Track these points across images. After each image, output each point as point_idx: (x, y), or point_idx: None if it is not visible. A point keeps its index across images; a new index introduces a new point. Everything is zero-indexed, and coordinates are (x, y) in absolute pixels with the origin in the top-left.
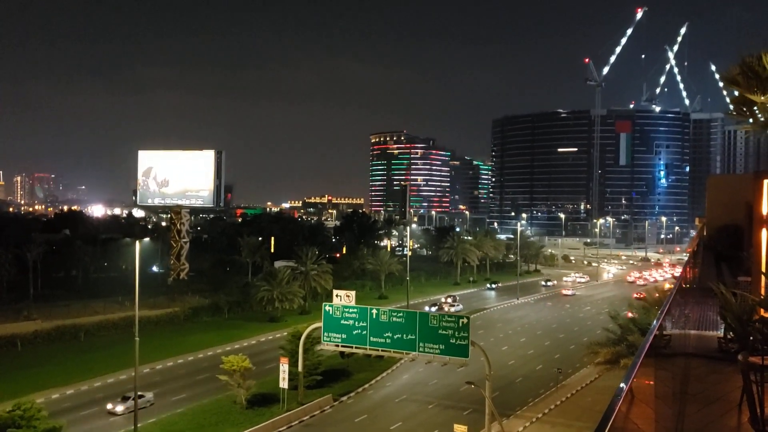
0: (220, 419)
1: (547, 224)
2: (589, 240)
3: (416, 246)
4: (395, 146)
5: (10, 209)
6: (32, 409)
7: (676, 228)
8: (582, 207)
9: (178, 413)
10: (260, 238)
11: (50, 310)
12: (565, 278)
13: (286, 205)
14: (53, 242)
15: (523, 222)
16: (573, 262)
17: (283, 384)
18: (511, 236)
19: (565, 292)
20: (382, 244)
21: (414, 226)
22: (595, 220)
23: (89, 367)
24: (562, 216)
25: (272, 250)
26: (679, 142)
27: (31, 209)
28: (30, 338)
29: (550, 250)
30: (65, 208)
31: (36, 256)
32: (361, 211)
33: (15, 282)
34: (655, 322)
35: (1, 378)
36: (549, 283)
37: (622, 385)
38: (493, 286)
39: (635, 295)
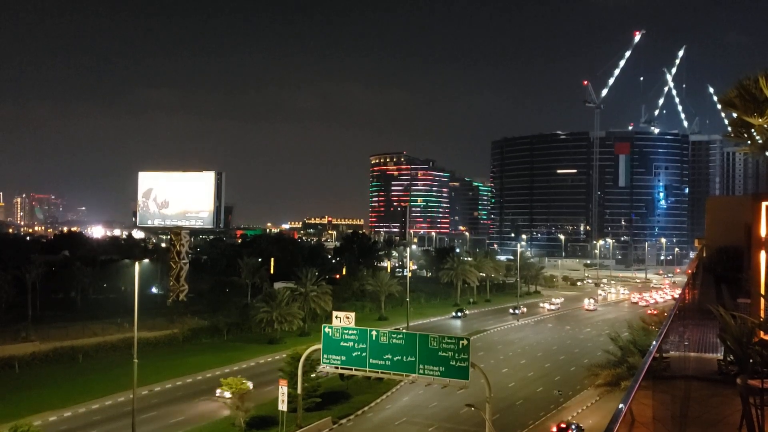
0: None
1: (547, 245)
2: (589, 261)
3: (416, 267)
4: (395, 167)
5: (10, 230)
6: None
7: (676, 249)
8: (582, 228)
9: None
10: (260, 259)
11: (48, 332)
12: (541, 304)
13: (285, 226)
14: (52, 263)
15: (523, 243)
16: (578, 284)
17: (282, 406)
18: (511, 257)
19: (549, 306)
20: (382, 265)
21: (414, 247)
22: (594, 242)
23: (87, 390)
24: (562, 237)
25: (272, 272)
26: (678, 164)
27: (30, 230)
28: (28, 360)
29: (549, 272)
30: (65, 229)
31: (35, 277)
32: (360, 232)
33: (13, 303)
34: (653, 344)
35: None
36: (517, 311)
37: (621, 406)
38: (459, 314)
39: (649, 312)
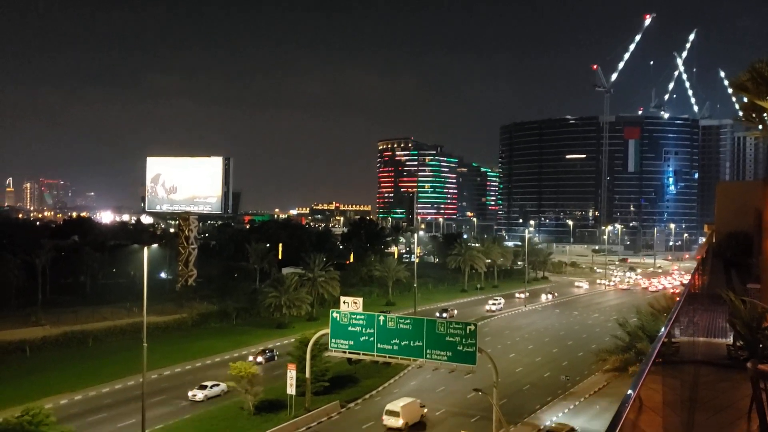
0: (227, 425)
1: (555, 231)
2: (597, 247)
3: (423, 253)
4: (402, 153)
5: (20, 215)
6: (41, 415)
7: (685, 235)
8: (590, 214)
9: (186, 419)
10: (268, 245)
11: (58, 316)
12: (517, 294)
13: (293, 212)
14: (62, 248)
15: (531, 229)
16: (584, 268)
17: (291, 390)
18: (519, 243)
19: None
20: (389, 251)
21: (421, 233)
22: (603, 227)
23: (97, 373)
24: (570, 223)
25: (280, 257)
26: (688, 149)
27: (40, 215)
28: (38, 344)
29: (557, 258)
30: (74, 214)
31: (44, 262)
32: (368, 218)
33: (23, 288)
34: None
35: (9, 383)
36: (495, 306)
37: (629, 392)
38: (444, 315)
39: (672, 291)
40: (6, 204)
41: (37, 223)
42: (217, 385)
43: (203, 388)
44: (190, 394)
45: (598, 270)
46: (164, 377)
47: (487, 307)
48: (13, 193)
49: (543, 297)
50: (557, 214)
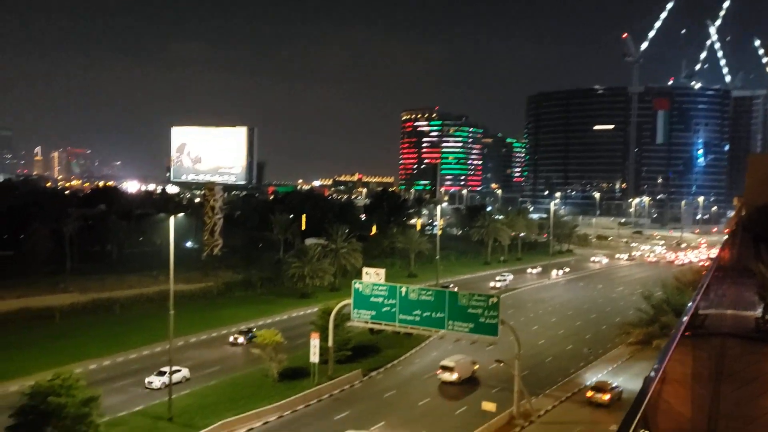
0: (252, 392)
1: (581, 203)
2: (623, 220)
3: (446, 225)
4: (427, 124)
5: (48, 184)
6: (71, 379)
7: (714, 208)
8: (617, 186)
9: (212, 386)
10: (291, 216)
11: (86, 284)
12: (529, 268)
13: (316, 183)
14: (89, 217)
15: (557, 201)
16: (609, 240)
17: (314, 358)
18: (544, 215)
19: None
20: (411, 222)
21: (444, 204)
22: (630, 200)
23: (125, 340)
24: (597, 195)
25: (303, 228)
26: (719, 120)
27: (67, 184)
28: (67, 310)
29: (583, 230)
30: (101, 183)
31: (72, 230)
32: (391, 189)
33: (52, 255)
34: (690, 302)
35: (40, 348)
36: (501, 283)
37: (655, 365)
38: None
39: (701, 264)
40: (35, 172)
41: (65, 191)
42: (179, 370)
43: (161, 374)
44: (146, 380)
45: (625, 244)
46: (190, 344)
47: (492, 284)
48: (41, 161)
49: (554, 273)
50: (583, 186)
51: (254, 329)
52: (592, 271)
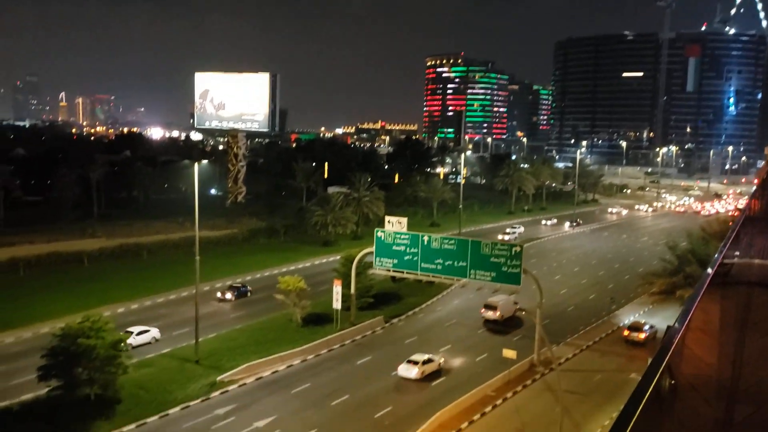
0: (277, 336)
1: (608, 152)
2: (650, 169)
3: (470, 174)
4: (452, 70)
5: (73, 130)
6: (100, 322)
7: (743, 158)
8: (645, 135)
9: (237, 329)
10: (314, 164)
11: (114, 229)
12: (543, 220)
13: (339, 131)
14: (115, 163)
15: (583, 150)
16: (637, 192)
17: (337, 305)
18: (570, 164)
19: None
20: (435, 171)
21: (468, 153)
22: (657, 149)
23: (152, 284)
24: (624, 144)
25: (326, 176)
26: (753, 68)
27: (92, 131)
28: (95, 255)
29: (608, 180)
30: (125, 130)
31: (99, 176)
32: (414, 137)
33: (79, 201)
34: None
35: (70, 291)
36: (509, 236)
37: (680, 313)
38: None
39: (730, 213)
40: (60, 118)
41: (91, 138)
42: (147, 330)
43: (128, 334)
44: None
45: (649, 193)
46: (216, 289)
47: (500, 237)
48: (66, 107)
49: (566, 225)
50: (611, 134)
51: (247, 285)
52: (613, 222)
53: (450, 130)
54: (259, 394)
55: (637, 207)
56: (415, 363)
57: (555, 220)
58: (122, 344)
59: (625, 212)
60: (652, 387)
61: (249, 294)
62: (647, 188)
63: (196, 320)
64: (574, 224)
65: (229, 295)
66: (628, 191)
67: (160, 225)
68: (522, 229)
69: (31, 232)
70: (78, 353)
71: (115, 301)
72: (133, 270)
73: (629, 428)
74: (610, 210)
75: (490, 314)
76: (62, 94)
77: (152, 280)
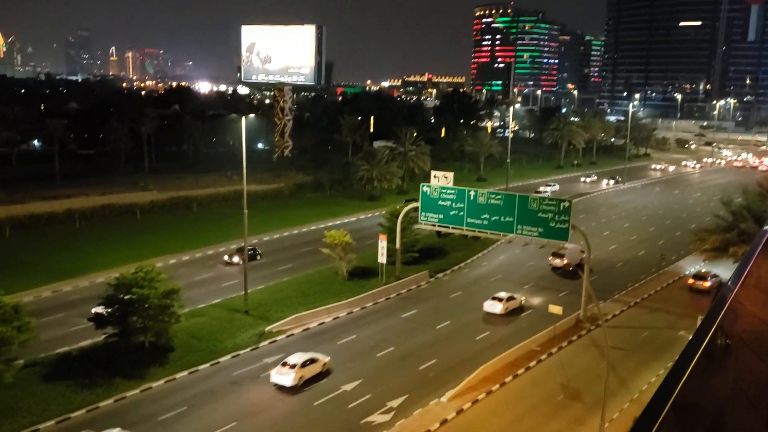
0: (323, 289)
1: (662, 105)
2: (706, 123)
3: (518, 127)
4: (501, 20)
5: (124, 84)
6: (153, 272)
7: None
8: (701, 87)
9: (284, 282)
10: (360, 118)
11: (164, 182)
12: (582, 177)
13: (385, 84)
14: (164, 117)
15: (636, 103)
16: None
17: (382, 259)
18: (622, 118)
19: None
20: (482, 125)
21: (517, 106)
22: (714, 102)
23: (202, 237)
24: (679, 97)
25: (371, 130)
26: None
27: (142, 84)
28: (147, 207)
29: (662, 134)
30: (174, 84)
31: (149, 130)
32: (461, 90)
33: (131, 155)
34: None
35: (124, 243)
36: (544, 194)
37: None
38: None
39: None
40: (110, 73)
41: (140, 92)
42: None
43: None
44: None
45: (704, 148)
46: (263, 242)
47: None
48: (116, 62)
49: (604, 183)
50: (665, 87)
51: (257, 249)
52: (662, 178)
53: (498, 82)
54: (306, 344)
55: (684, 163)
56: (500, 300)
57: (595, 177)
58: (175, 294)
59: (671, 168)
60: (704, 345)
61: (259, 257)
62: (701, 143)
63: (245, 272)
64: (614, 181)
65: (236, 259)
66: (691, 145)
67: (209, 179)
68: (557, 187)
69: (86, 184)
70: (132, 302)
71: (167, 253)
72: (183, 222)
73: (680, 386)
74: (653, 166)
75: (557, 262)
76: (112, 49)
77: (202, 233)
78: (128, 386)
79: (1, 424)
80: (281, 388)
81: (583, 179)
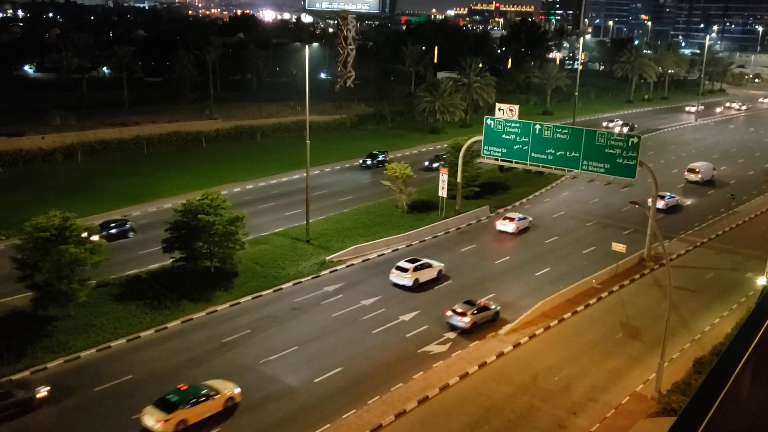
0: (383, 221)
1: (741, 38)
2: None
3: (588, 59)
4: None
5: (189, 12)
6: (218, 199)
7: None
8: None
9: (345, 213)
10: (424, 48)
11: (229, 111)
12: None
13: (451, 13)
14: (229, 45)
15: (713, 35)
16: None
17: (442, 193)
18: (697, 51)
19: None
20: (550, 56)
21: (588, 37)
22: None
23: (265, 166)
24: (760, 29)
25: (435, 60)
26: None
27: (207, 12)
28: (212, 136)
29: (739, 69)
30: (238, 12)
31: (214, 58)
32: (530, 19)
33: (196, 83)
34: None
35: (190, 170)
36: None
37: None
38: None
39: None
40: (177, 0)
41: (206, 20)
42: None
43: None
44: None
45: None
46: (325, 173)
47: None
48: None
49: (619, 128)
50: (745, 18)
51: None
52: (743, 114)
53: (569, 12)
54: (365, 274)
55: (761, 99)
56: (511, 219)
57: (702, 107)
58: (239, 222)
59: (744, 107)
60: None
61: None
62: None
63: (307, 201)
64: (626, 128)
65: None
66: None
67: (272, 108)
68: (620, 122)
69: (153, 112)
70: (198, 228)
71: (231, 181)
72: (247, 152)
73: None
74: (728, 103)
75: (692, 177)
76: None
77: (265, 162)
78: (194, 309)
79: (78, 339)
80: (340, 316)
81: (687, 109)
